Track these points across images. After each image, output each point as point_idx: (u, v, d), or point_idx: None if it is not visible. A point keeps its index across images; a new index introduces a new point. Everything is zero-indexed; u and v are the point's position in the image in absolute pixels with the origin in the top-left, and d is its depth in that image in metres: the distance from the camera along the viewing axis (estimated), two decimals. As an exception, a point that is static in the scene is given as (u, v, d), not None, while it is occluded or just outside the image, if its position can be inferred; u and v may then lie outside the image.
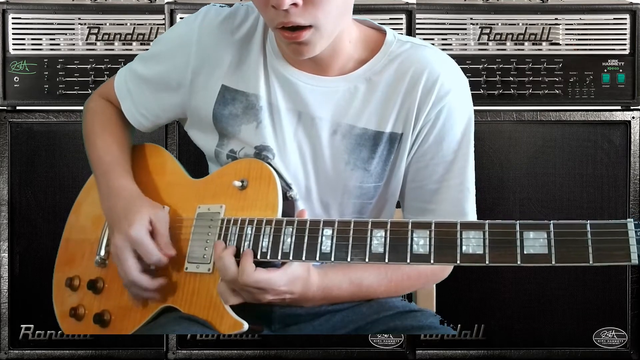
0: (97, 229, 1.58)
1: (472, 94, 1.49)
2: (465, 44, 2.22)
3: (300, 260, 1.29)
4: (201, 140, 1.55)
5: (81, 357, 2.22)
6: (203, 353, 2.21)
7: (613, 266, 1.02)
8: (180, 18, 2.15)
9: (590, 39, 2.21)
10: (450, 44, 2.22)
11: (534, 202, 2.21)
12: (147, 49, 1.63)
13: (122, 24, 2.22)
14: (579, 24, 2.21)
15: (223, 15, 1.48)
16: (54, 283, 1.64)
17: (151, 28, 2.22)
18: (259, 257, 1.32)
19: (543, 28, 2.21)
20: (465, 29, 2.22)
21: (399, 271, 1.46)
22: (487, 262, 1.13)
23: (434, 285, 2.11)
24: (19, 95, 2.22)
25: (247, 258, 1.31)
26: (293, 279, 1.32)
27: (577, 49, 2.21)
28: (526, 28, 2.22)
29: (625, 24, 2.20)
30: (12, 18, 2.21)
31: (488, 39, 2.22)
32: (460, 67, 1.48)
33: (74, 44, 2.22)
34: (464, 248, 1.15)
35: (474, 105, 1.50)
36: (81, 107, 1.69)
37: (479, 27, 2.22)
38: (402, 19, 2.19)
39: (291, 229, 1.30)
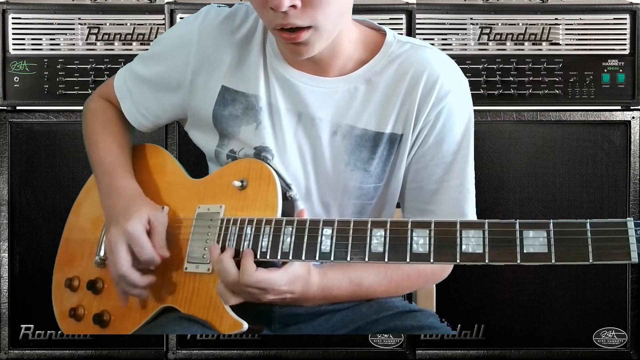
0: (97, 229, 1.58)
1: (472, 94, 1.49)
2: (465, 44, 2.22)
3: (300, 260, 1.29)
4: (201, 140, 1.55)
5: (81, 357, 2.22)
6: (203, 353, 2.21)
7: (613, 265, 1.02)
8: (180, 18, 2.15)
9: (590, 39, 2.21)
10: (450, 44, 2.22)
11: (534, 202, 2.21)
12: (147, 49, 1.63)
13: (122, 24, 2.22)
14: (579, 24, 2.21)
15: (223, 16, 1.48)
16: (54, 283, 1.64)
17: (151, 28, 2.22)
18: (258, 256, 1.32)
19: (543, 28, 2.21)
20: (465, 29, 2.22)
21: (399, 271, 1.46)
22: (486, 261, 1.13)
23: (434, 285, 2.11)
24: (19, 95, 2.22)
25: (248, 258, 1.31)
26: (294, 278, 1.32)
27: (577, 49, 2.21)
28: (526, 28, 2.22)
29: (625, 24, 2.20)
30: (12, 18, 2.21)
31: (488, 39, 2.22)
32: (460, 67, 1.48)
33: (74, 44, 2.22)
34: (463, 247, 1.15)
35: (474, 105, 1.50)
36: (81, 107, 1.69)
37: (479, 27, 2.22)
38: (402, 19, 2.19)
39: (291, 229, 1.30)
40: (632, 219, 1.06)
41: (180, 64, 1.49)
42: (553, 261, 1.09)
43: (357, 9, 1.42)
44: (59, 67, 2.22)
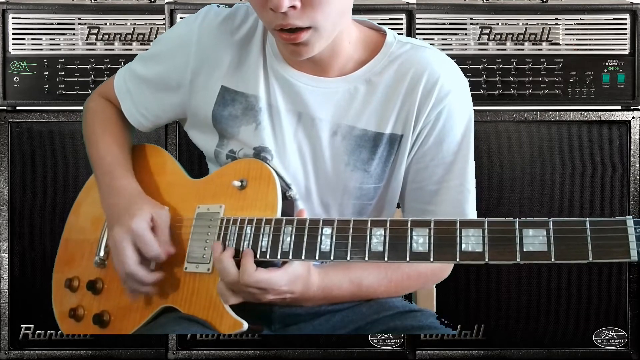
0: (97, 229, 1.58)
1: (472, 94, 1.49)
2: (465, 44, 2.22)
3: (300, 260, 1.29)
4: (201, 140, 1.55)
5: (81, 357, 2.22)
6: (203, 353, 2.21)
7: (613, 265, 1.02)
8: (180, 18, 2.15)
9: (590, 39, 2.21)
10: (450, 44, 2.22)
11: (534, 202, 2.21)
12: (147, 49, 1.63)
13: (122, 24, 2.22)
14: (579, 24, 2.21)
15: (223, 16, 1.48)
16: (53, 284, 1.64)
17: (151, 28, 2.22)
18: (258, 256, 1.32)
19: (543, 28, 2.21)
20: (465, 29, 2.22)
21: (399, 271, 1.46)
22: (486, 260, 1.13)
23: (434, 285, 2.11)
24: (19, 95, 2.22)
25: (248, 258, 1.31)
26: (294, 278, 1.32)
27: (577, 49, 2.21)
28: (526, 28, 2.22)
29: (625, 24, 2.20)
30: (12, 18, 2.21)
31: (488, 39, 2.22)
32: (460, 67, 1.48)
33: (74, 44, 2.22)
34: (463, 246, 1.15)
35: (474, 105, 1.50)
36: (81, 107, 1.69)
37: (479, 27, 2.22)
38: (402, 19, 2.19)
39: (291, 228, 1.30)
40: (631, 217, 1.06)
41: (180, 64, 1.49)
42: (553, 260, 1.09)
43: (357, 9, 1.41)
44: (59, 67, 2.22)
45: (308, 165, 1.47)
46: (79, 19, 2.22)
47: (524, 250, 1.11)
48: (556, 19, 2.21)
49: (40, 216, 2.22)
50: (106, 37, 2.22)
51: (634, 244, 1.04)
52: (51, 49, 2.22)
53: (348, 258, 1.24)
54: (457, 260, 1.15)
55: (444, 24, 2.23)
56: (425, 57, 1.44)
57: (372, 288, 1.46)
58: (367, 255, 1.22)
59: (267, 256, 1.31)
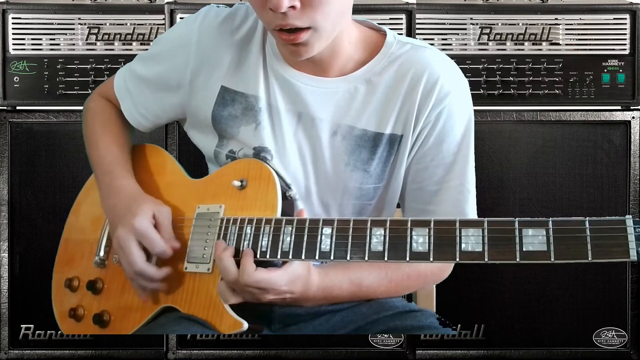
0: (97, 229, 1.58)
1: (472, 94, 1.49)
2: (465, 44, 2.22)
3: (300, 259, 1.29)
4: (201, 140, 1.55)
5: (81, 357, 2.22)
6: (203, 353, 2.21)
7: (613, 264, 1.02)
8: (180, 18, 2.15)
9: (590, 39, 2.21)
10: (450, 44, 2.22)
11: (534, 202, 2.21)
12: (147, 49, 1.63)
13: (122, 24, 2.22)
14: (579, 24, 2.21)
15: (223, 16, 1.48)
16: (53, 283, 1.64)
17: (151, 28, 2.22)
18: (258, 256, 1.32)
19: (543, 28, 2.21)
20: (465, 29, 2.22)
21: (399, 271, 1.46)
22: (486, 260, 1.13)
23: (434, 285, 2.11)
24: (19, 95, 2.22)
25: (248, 258, 1.31)
26: (294, 278, 1.32)
27: (577, 49, 2.21)
28: (526, 28, 2.22)
29: (625, 24, 2.20)
30: (12, 18, 2.21)
31: (488, 39, 2.22)
32: (460, 67, 1.48)
33: (74, 44, 2.23)
34: (463, 246, 1.15)
35: (474, 105, 1.50)
36: (81, 107, 1.69)
37: (479, 27, 2.22)
38: (402, 19, 2.19)
39: (290, 228, 1.30)
40: (630, 217, 1.06)
41: (180, 65, 1.49)
42: (552, 259, 1.09)
43: (357, 9, 1.42)
44: (59, 67, 2.22)
45: (308, 165, 1.47)
46: (79, 19, 2.22)
47: (524, 250, 1.11)
48: (556, 19, 2.21)
49: (40, 216, 2.22)
50: (106, 37, 2.22)
51: (634, 244, 1.04)
52: (51, 49, 2.22)
53: (348, 258, 1.24)
54: (457, 259, 1.15)
55: (444, 24, 2.23)
56: (425, 57, 1.44)
57: (372, 288, 1.46)
58: (367, 255, 1.22)
59: (267, 256, 1.31)
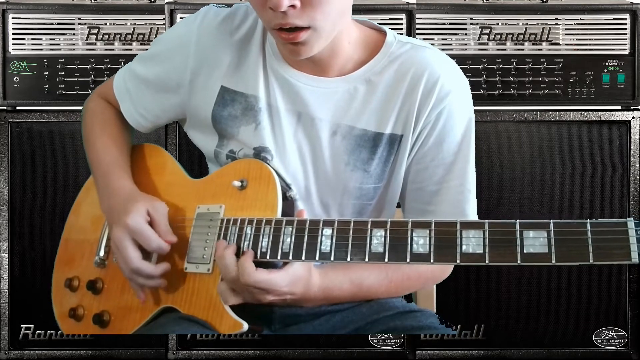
0: (97, 229, 1.58)
1: (472, 94, 1.49)
2: (465, 44, 2.22)
3: (300, 260, 1.29)
4: (201, 140, 1.55)
5: (81, 357, 2.22)
6: (203, 353, 2.21)
7: (613, 265, 1.02)
8: (180, 18, 2.15)
9: (590, 39, 2.21)
10: (450, 44, 2.22)
11: (534, 202, 2.21)
12: (147, 49, 1.63)
13: (122, 24, 2.22)
14: (579, 24, 2.21)
15: (222, 16, 1.47)
16: (53, 283, 1.64)
17: (151, 28, 2.22)
18: (258, 257, 1.31)
19: (543, 28, 2.21)
20: (465, 29, 2.22)
21: (399, 271, 1.46)
22: (487, 262, 1.13)
23: (434, 286, 2.11)
24: (19, 95, 2.22)
25: (247, 258, 1.31)
26: (294, 279, 1.32)
27: (577, 49, 2.21)
28: (526, 28, 2.22)
29: (625, 24, 2.20)
30: (12, 18, 2.21)
31: (488, 39, 2.22)
32: (460, 67, 1.48)
33: (74, 44, 2.22)
34: (463, 247, 1.15)
35: (474, 105, 1.50)
36: (81, 107, 1.69)
37: (479, 27, 2.22)
38: (402, 19, 2.19)
39: (291, 229, 1.30)
40: (632, 219, 1.06)
41: (179, 65, 1.49)
42: (553, 261, 1.09)
43: (357, 9, 1.41)
44: (59, 67, 2.22)
45: (308, 165, 1.47)
46: (79, 19, 2.22)
47: (525, 252, 1.11)
48: (556, 19, 2.21)
49: (40, 216, 2.22)
50: (106, 37, 2.22)
51: (635, 246, 1.04)
52: (51, 49, 2.22)
53: (348, 259, 1.24)
54: (458, 261, 1.15)
55: (444, 24, 2.23)
56: (426, 57, 1.44)
57: (372, 288, 1.46)
58: (367, 256, 1.22)
59: (267, 257, 1.31)
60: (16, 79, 2.21)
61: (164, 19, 2.20)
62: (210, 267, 1.38)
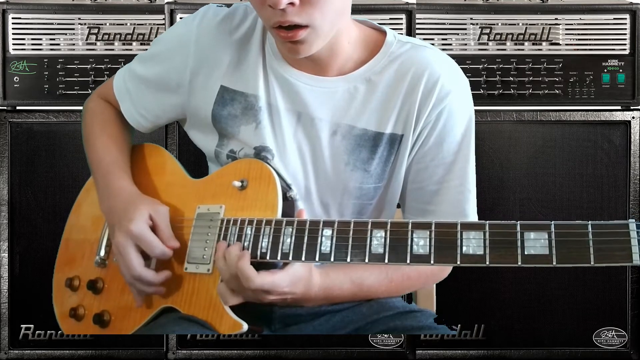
0: (97, 229, 1.58)
1: (472, 94, 1.49)
2: (465, 44, 2.22)
3: (300, 261, 1.29)
4: (201, 140, 1.55)
5: (81, 357, 2.22)
6: (203, 353, 2.21)
7: (614, 267, 1.02)
8: (180, 18, 2.15)
9: (590, 39, 2.21)
10: (450, 44, 2.22)
11: (534, 202, 2.21)
12: (147, 49, 1.63)
13: (122, 24, 2.22)
14: (579, 24, 2.21)
15: (221, 16, 1.47)
16: (54, 283, 1.64)
17: (151, 28, 2.22)
18: (258, 257, 1.31)
19: (543, 28, 2.21)
20: (465, 29, 2.22)
21: (399, 271, 1.46)
22: (487, 263, 1.13)
23: (434, 285, 2.11)
24: (19, 95, 2.22)
25: (245, 263, 1.29)
26: (295, 279, 1.32)
27: (577, 49, 2.21)
28: (526, 28, 2.22)
29: (625, 24, 2.20)
30: (12, 18, 2.21)
31: (488, 39, 2.22)
32: (460, 67, 1.48)
33: (74, 44, 2.22)
34: (464, 249, 1.15)
35: (474, 105, 1.50)
36: (81, 107, 1.69)
37: (479, 27, 2.22)
38: (402, 19, 2.19)
39: (291, 229, 1.30)
40: (633, 220, 1.05)
41: (179, 65, 1.49)
42: (554, 263, 1.09)
43: (357, 9, 1.42)
44: (59, 67, 2.22)
45: (308, 165, 1.46)
46: (79, 19, 2.22)
47: (525, 253, 1.11)
48: (556, 19, 2.21)
49: (40, 216, 2.22)
50: (106, 37, 2.22)
51: (636, 248, 1.04)
52: (51, 49, 2.22)
53: (348, 260, 1.24)
54: (458, 263, 1.15)
55: (444, 24, 2.23)
56: (426, 56, 1.44)
57: (373, 288, 1.46)
58: (367, 257, 1.22)
59: (267, 257, 1.31)
60: (16, 79, 2.21)
61: (164, 19, 2.20)
62: (210, 267, 1.38)
